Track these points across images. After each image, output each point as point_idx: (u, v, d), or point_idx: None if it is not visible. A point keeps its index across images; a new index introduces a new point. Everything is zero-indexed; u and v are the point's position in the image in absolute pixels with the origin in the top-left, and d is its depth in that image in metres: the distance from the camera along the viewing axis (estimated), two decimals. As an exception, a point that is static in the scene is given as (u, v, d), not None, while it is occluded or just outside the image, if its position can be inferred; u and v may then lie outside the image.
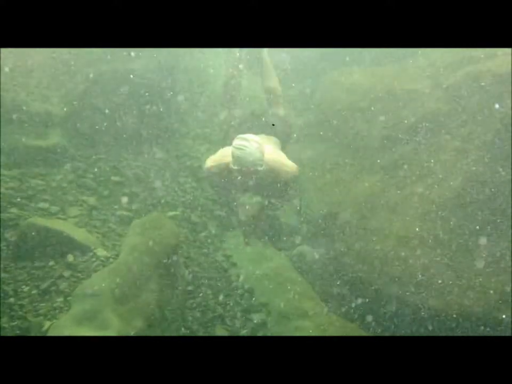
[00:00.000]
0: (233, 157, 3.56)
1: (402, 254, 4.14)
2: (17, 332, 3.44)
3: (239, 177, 3.61)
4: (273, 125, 4.57)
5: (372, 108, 5.38)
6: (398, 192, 4.57)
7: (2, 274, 3.81)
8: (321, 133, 5.83)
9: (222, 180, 3.89)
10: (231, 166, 3.59)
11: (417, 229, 4.23)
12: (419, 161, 4.69)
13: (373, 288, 4.21)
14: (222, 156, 3.93)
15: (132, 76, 5.90)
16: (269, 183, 3.77)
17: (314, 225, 5.05)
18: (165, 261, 4.10)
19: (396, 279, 4.11)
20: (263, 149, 3.62)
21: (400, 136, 4.94)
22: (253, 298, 4.44)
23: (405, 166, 4.71)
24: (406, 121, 4.96)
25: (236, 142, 3.56)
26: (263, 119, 4.62)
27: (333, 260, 4.66)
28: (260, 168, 3.55)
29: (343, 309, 4.29)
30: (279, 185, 3.83)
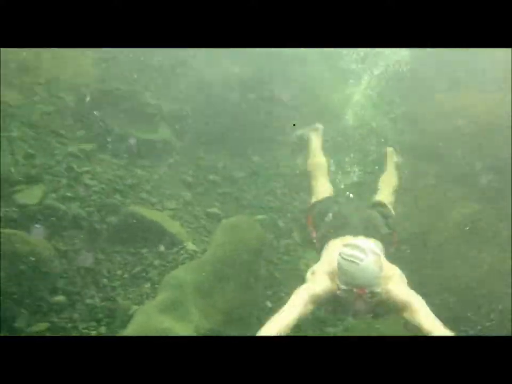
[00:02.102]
0: (341, 271, 2.57)
1: (492, 287, 3.89)
2: (107, 312, 3.73)
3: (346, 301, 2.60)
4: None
5: (478, 135, 5.13)
6: (497, 223, 4.30)
7: (100, 256, 4.14)
8: (420, 153, 5.62)
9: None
10: (338, 284, 2.59)
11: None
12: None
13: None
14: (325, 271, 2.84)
15: (236, 82, 6.12)
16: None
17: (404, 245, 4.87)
18: (248, 262, 4.19)
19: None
20: (382, 262, 2.65)
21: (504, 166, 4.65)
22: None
23: (507, 197, 4.42)
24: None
25: (345, 250, 2.60)
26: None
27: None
28: (377, 290, 2.53)
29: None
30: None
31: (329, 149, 5.95)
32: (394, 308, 2.68)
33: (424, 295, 2.55)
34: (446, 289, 4.15)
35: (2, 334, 3.34)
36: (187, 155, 5.89)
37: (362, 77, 6.99)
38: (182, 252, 4.47)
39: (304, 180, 5.75)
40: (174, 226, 4.70)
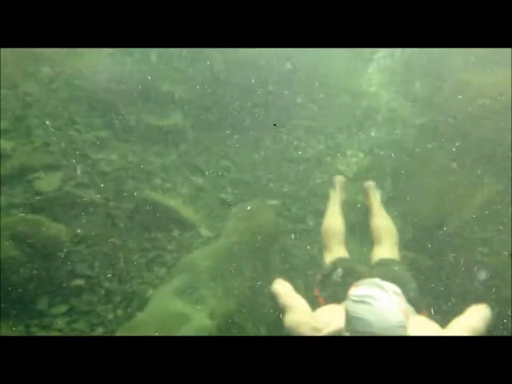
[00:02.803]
0: (348, 317, 1.95)
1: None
2: (124, 295, 3.83)
3: None
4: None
5: (503, 112, 5.00)
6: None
7: (116, 241, 4.22)
8: (442, 135, 5.51)
9: None
10: (344, 333, 1.97)
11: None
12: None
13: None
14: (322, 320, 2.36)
15: (248, 66, 6.11)
16: None
17: (420, 232, 4.82)
18: (262, 248, 4.25)
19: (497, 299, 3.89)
20: (407, 308, 2.04)
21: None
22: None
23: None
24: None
25: (356, 291, 1.98)
26: None
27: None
28: None
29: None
30: None
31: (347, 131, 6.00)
32: None
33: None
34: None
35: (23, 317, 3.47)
36: (199, 141, 5.93)
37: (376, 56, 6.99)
38: (195, 237, 4.55)
39: (317, 165, 5.82)
40: (187, 212, 4.77)
